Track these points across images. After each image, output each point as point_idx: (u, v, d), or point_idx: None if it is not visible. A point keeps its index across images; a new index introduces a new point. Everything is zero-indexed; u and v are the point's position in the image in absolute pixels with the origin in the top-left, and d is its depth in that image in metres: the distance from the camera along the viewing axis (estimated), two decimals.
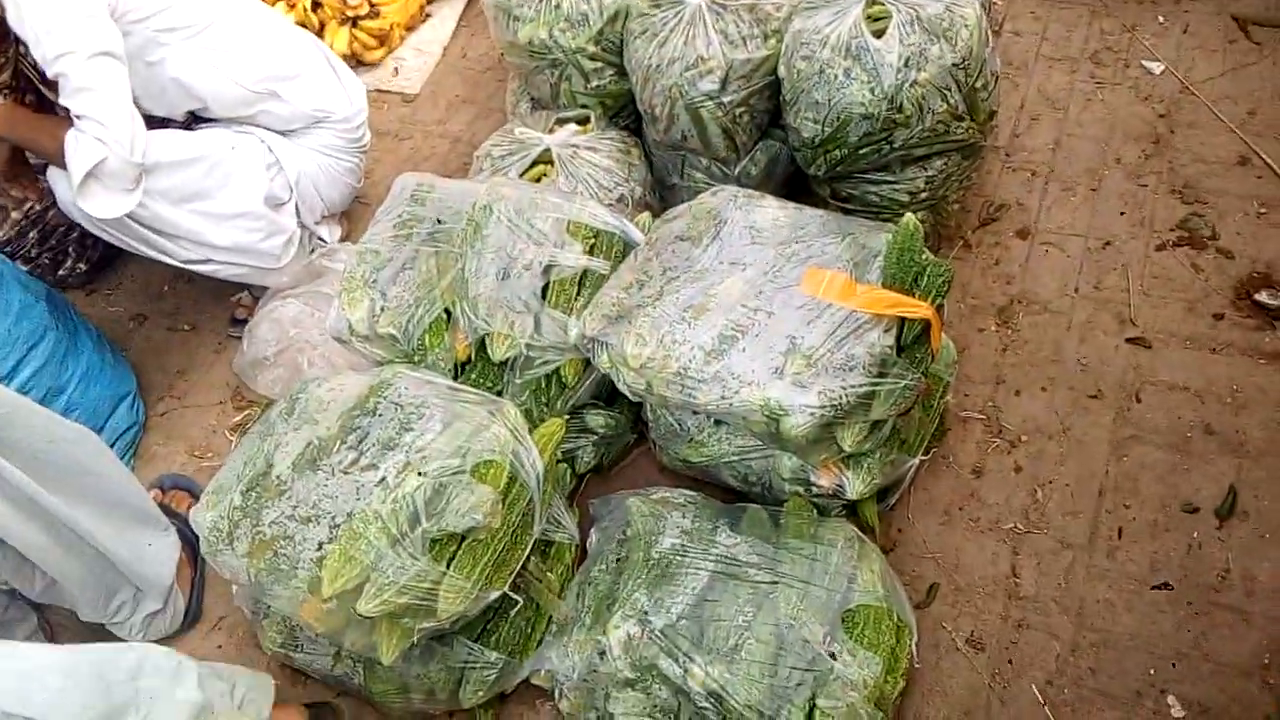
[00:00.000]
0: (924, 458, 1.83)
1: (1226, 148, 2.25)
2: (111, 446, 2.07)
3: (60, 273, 2.54)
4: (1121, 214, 2.20)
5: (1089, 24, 2.58)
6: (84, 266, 2.57)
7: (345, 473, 1.57)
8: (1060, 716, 1.62)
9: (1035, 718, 1.63)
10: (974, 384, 2.00)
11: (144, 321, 2.53)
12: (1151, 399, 1.92)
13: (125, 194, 1.88)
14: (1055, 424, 1.92)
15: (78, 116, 1.82)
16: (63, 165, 1.88)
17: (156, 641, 1.89)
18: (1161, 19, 2.55)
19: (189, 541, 1.99)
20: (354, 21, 2.90)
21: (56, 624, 1.96)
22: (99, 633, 1.93)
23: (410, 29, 3.04)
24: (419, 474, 1.52)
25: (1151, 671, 1.64)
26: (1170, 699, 1.61)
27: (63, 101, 1.83)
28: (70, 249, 2.52)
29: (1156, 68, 2.44)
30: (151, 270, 2.63)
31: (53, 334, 2.04)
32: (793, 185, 2.22)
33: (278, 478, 1.60)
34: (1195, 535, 1.76)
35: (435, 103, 2.87)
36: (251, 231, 2.14)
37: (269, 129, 2.21)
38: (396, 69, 2.94)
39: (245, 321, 2.40)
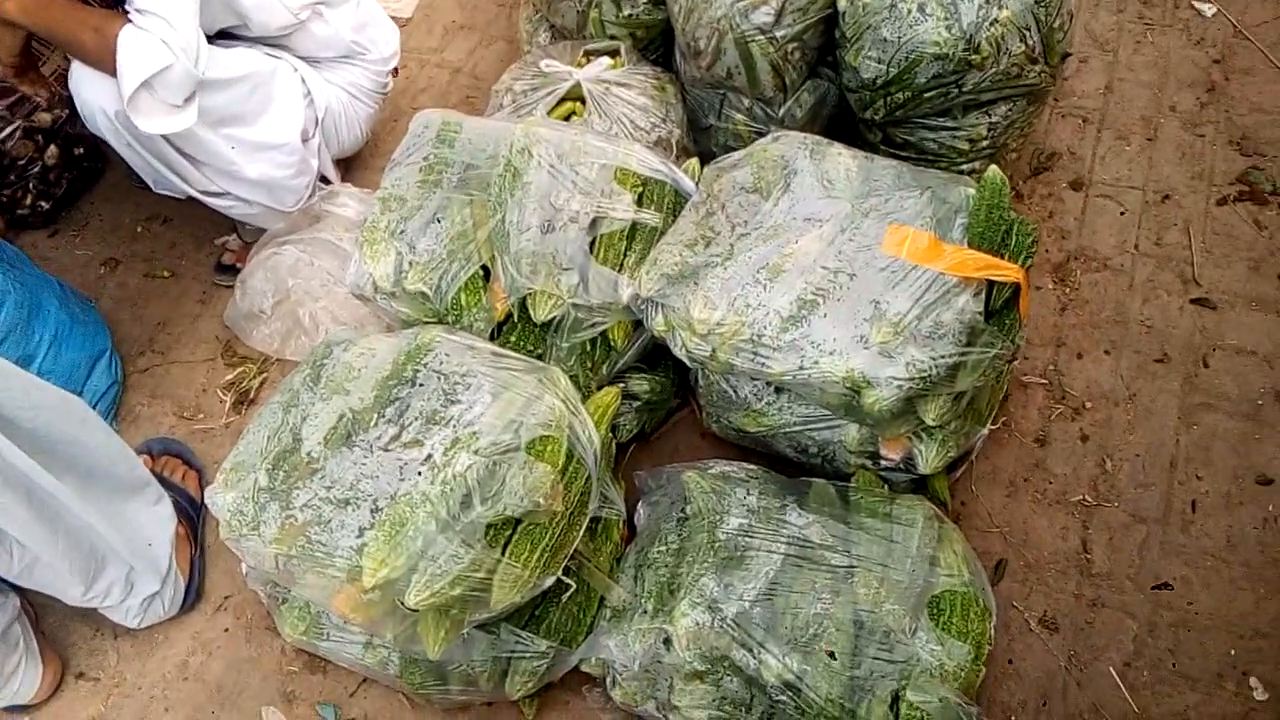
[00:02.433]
0: (992, 427, 1.72)
1: None
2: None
3: (19, 212, 2.30)
4: (1179, 166, 2.09)
5: None
6: (45, 205, 2.32)
7: (386, 450, 1.41)
8: (1140, 700, 1.55)
9: (1114, 701, 1.55)
10: (1033, 346, 1.89)
11: (116, 267, 2.29)
12: (1220, 364, 1.83)
13: (175, 110, 1.66)
14: (1121, 390, 1.83)
15: (139, 11, 1.60)
16: (99, 65, 1.65)
17: (156, 625, 1.74)
18: None
19: (186, 515, 1.82)
20: None
21: (40, 605, 1.78)
22: (87, 618, 1.76)
23: None
24: (472, 451, 1.36)
25: (1232, 652, 1.57)
26: (1253, 680, 1.55)
27: None
28: (31, 184, 2.27)
29: (1208, 10, 2.31)
30: (121, 208, 2.39)
31: (12, 297, 1.81)
32: (837, 128, 2.06)
33: (308, 455, 1.43)
34: (1271, 509, 1.69)
35: (430, 29, 2.64)
36: (283, 166, 1.95)
37: (301, 56, 1.99)
38: None
39: (233, 269, 2.19)
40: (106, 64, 1.64)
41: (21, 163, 2.23)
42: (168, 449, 1.94)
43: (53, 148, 2.27)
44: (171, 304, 2.21)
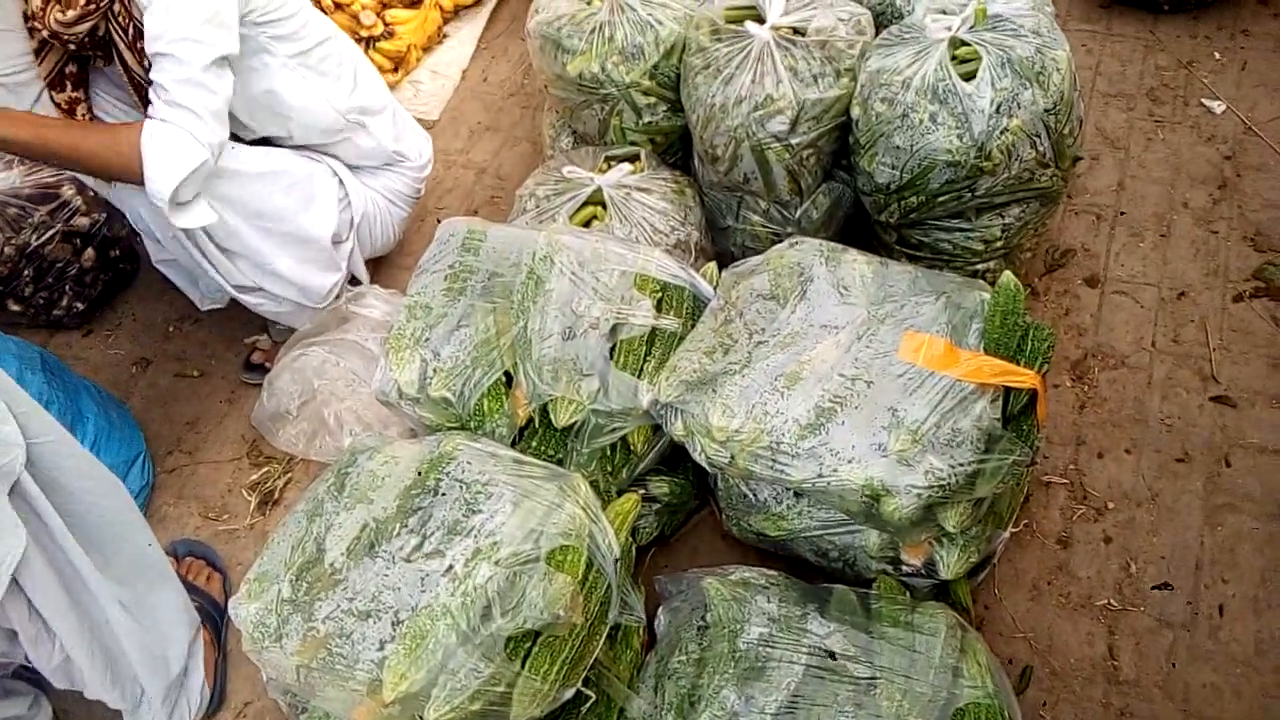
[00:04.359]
0: (1014, 530, 1.72)
1: None
2: None
3: (55, 313, 2.36)
4: (1194, 262, 2.10)
5: (1143, 59, 2.49)
6: (81, 305, 2.38)
7: (408, 560, 1.42)
8: None
9: None
10: (1053, 445, 1.89)
11: (148, 366, 2.34)
12: (1242, 463, 1.82)
13: (200, 203, 1.72)
14: (1143, 490, 1.82)
15: (170, 103, 1.62)
16: (93, 174, 1.74)
17: None
18: (1218, 55, 2.46)
19: (211, 620, 1.82)
20: (369, 43, 2.74)
21: (61, 709, 1.79)
22: (111, 717, 1.76)
23: (427, 50, 2.88)
24: (492, 562, 1.37)
25: None
26: None
27: (160, 79, 1.62)
28: (67, 287, 2.34)
29: (1217, 107, 2.35)
30: (154, 308, 2.45)
31: (54, 407, 1.86)
32: (852, 228, 2.10)
33: (331, 565, 1.44)
34: None
35: (456, 130, 2.72)
36: (310, 262, 2.00)
37: (343, 161, 2.07)
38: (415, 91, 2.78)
39: (261, 367, 2.23)
40: (124, 170, 1.65)
41: (59, 265, 2.30)
42: (193, 551, 1.96)
43: (89, 250, 2.34)
44: (200, 403, 2.25)
